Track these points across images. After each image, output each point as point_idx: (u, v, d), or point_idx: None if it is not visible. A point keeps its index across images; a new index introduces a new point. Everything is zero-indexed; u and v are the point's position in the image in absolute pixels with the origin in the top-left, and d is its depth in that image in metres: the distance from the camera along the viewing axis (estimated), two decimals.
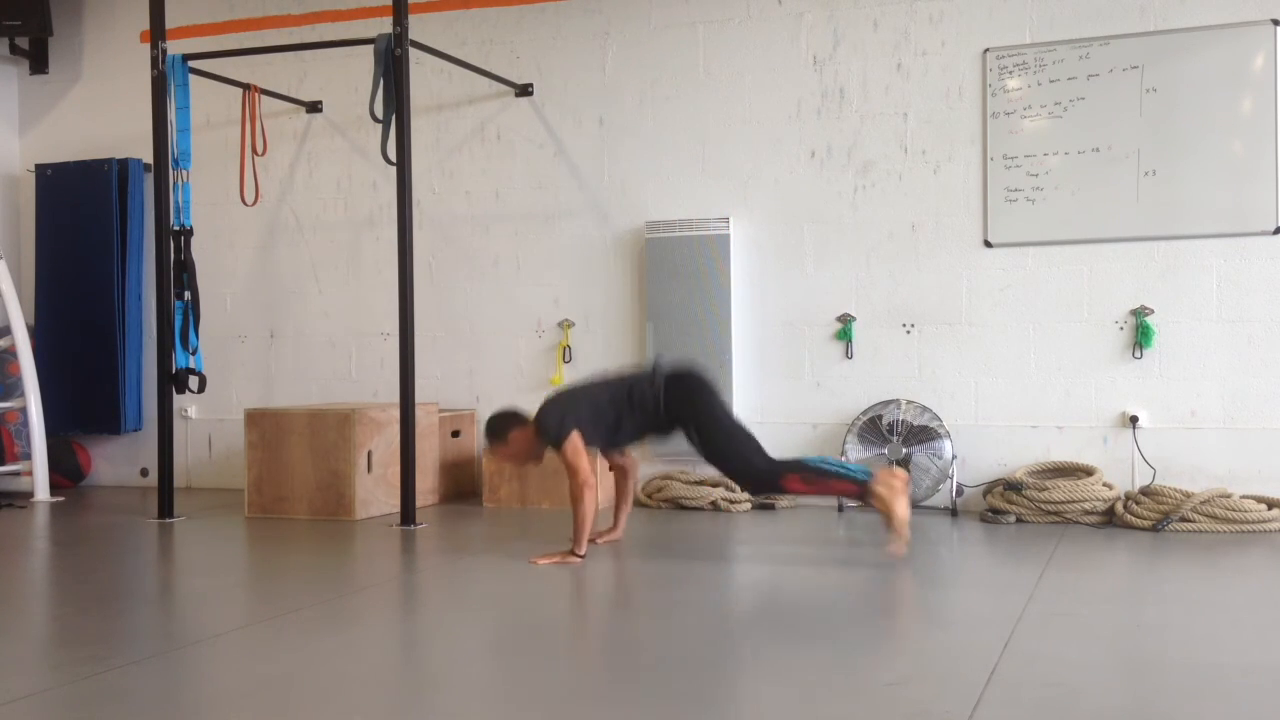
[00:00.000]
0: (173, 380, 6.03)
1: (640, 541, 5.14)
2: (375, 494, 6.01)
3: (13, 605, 4.17)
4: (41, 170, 7.40)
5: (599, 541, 5.01)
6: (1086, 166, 5.78)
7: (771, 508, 6.01)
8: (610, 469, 5.21)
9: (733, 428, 4.81)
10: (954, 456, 5.82)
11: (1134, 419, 5.73)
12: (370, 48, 5.77)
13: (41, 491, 6.76)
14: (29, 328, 7.01)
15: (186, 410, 7.20)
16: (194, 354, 6.10)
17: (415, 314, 5.76)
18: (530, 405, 6.64)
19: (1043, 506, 5.47)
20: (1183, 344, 5.70)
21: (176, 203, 6.05)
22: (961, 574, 4.61)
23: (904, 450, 5.86)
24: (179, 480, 6.41)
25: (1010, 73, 5.90)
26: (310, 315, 7.16)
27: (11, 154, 7.72)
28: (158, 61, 6.00)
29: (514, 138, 6.76)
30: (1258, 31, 5.56)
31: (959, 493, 5.80)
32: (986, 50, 5.95)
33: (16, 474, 6.86)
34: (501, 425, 4.91)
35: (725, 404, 4.89)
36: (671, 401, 4.77)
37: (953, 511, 5.78)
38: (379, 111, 5.75)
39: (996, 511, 5.56)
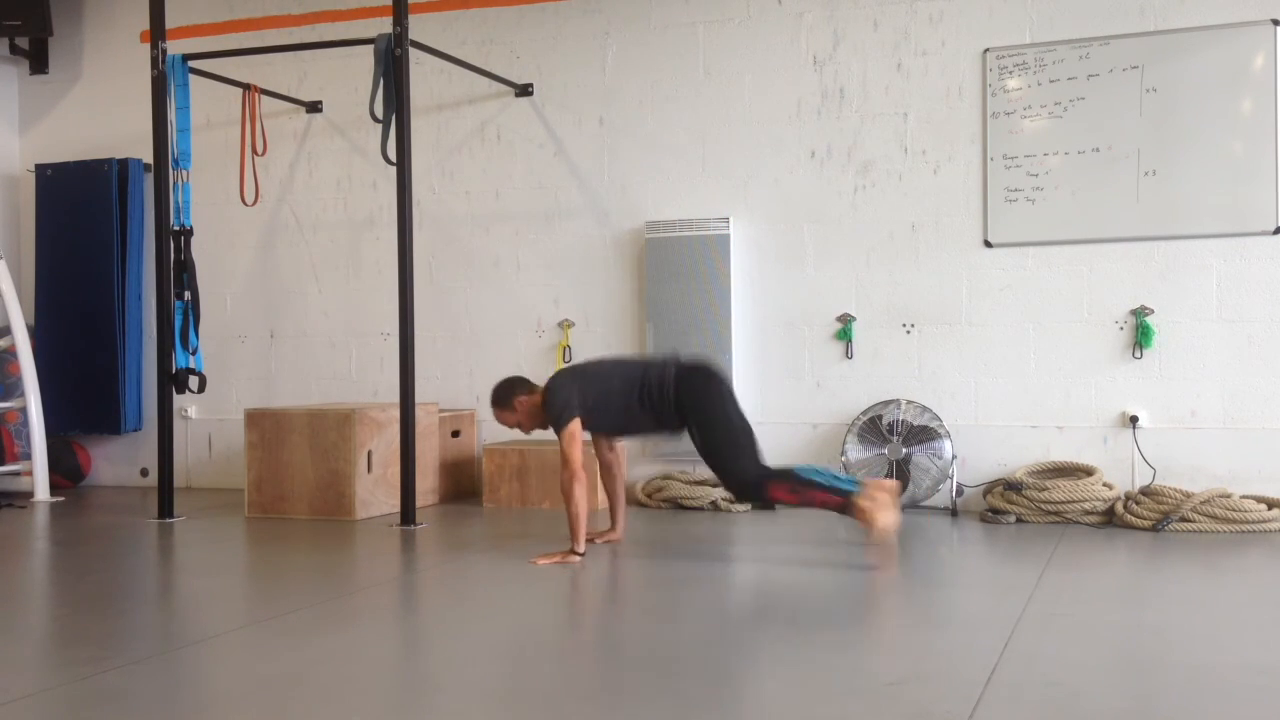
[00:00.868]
0: (173, 380, 6.03)
1: (640, 541, 5.14)
2: (375, 494, 6.01)
3: (13, 605, 4.17)
4: (41, 170, 7.40)
5: (598, 541, 5.01)
6: (1086, 166, 5.78)
7: (772, 508, 6.00)
8: (599, 465, 5.18)
9: (734, 429, 4.76)
10: (954, 456, 5.82)
11: (1134, 419, 5.73)
12: (370, 48, 5.78)
13: (41, 491, 6.76)
14: (29, 328, 7.01)
15: (186, 410, 7.20)
16: (194, 354, 6.10)
17: (415, 314, 5.76)
18: None
19: (1043, 506, 5.47)
20: (1183, 344, 5.70)
21: (176, 203, 6.06)
22: (961, 574, 4.62)
23: (904, 450, 5.85)
24: (179, 480, 6.40)
25: (1010, 73, 5.90)
26: (310, 315, 7.16)
27: (11, 154, 7.72)
28: (158, 61, 6.00)
29: (514, 138, 6.76)
30: (1258, 31, 5.56)
31: (959, 493, 5.80)
32: (986, 50, 5.95)
33: (16, 474, 6.86)
34: (507, 392, 4.93)
35: (736, 404, 4.83)
36: (682, 393, 4.75)
37: (953, 511, 5.78)
38: (379, 111, 5.75)
39: (996, 511, 5.56)
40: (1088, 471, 5.64)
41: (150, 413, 7.08)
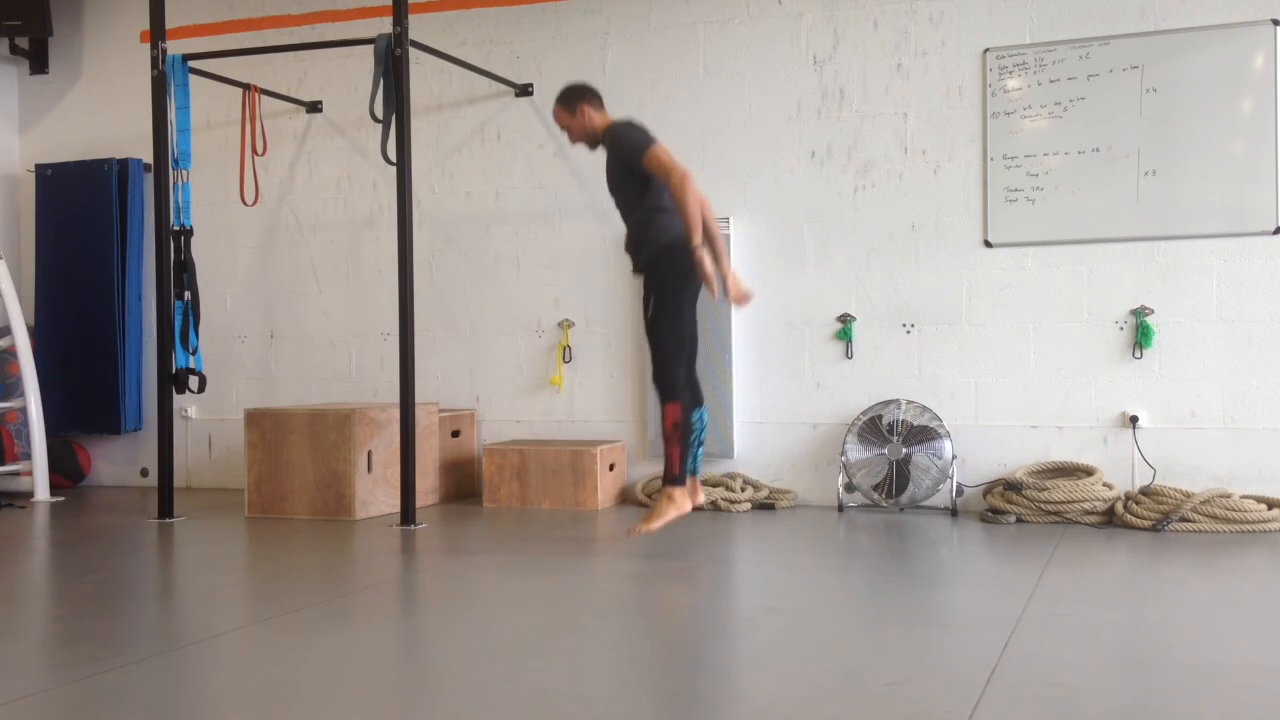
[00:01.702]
0: (173, 380, 6.03)
1: (640, 541, 5.13)
2: (375, 494, 6.01)
3: (13, 605, 4.17)
4: (41, 170, 7.39)
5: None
6: (1086, 166, 5.78)
7: (771, 508, 6.00)
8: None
9: (684, 322, 4.77)
10: (954, 456, 5.82)
11: (1134, 419, 5.73)
12: (370, 48, 5.78)
13: (41, 491, 6.76)
14: (29, 328, 7.01)
15: (186, 410, 7.20)
16: (194, 354, 6.10)
17: (415, 314, 5.76)
18: (531, 404, 6.68)
19: (1043, 506, 5.47)
20: (1183, 344, 5.70)
21: (176, 203, 6.06)
22: (961, 574, 4.62)
23: (904, 450, 5.85)
24: (179, 480, 6.40)
25: (1010, 73, 5.90)
26: (310, 315, 7.16)
27: (11, 154, 7.72)
28: (158, 61, 6.00)
29: (514, 138, 6.76)
30: (1258, 31, 5.56)
31: (959, 493, 5.80)
32: (986, 50, 5.95)
33: (16, 474, 6.85)
34: (578, 95, 4.98)
35: (696, 296, 4.80)
36: (665, 256, 4.73)
37: (953, 511, 5.78)
38: (379, 111, 5.75)
39: (996, 511, 5.56)
40: (1088, 471, 5.64)
41: (150, 413, 7.08)
